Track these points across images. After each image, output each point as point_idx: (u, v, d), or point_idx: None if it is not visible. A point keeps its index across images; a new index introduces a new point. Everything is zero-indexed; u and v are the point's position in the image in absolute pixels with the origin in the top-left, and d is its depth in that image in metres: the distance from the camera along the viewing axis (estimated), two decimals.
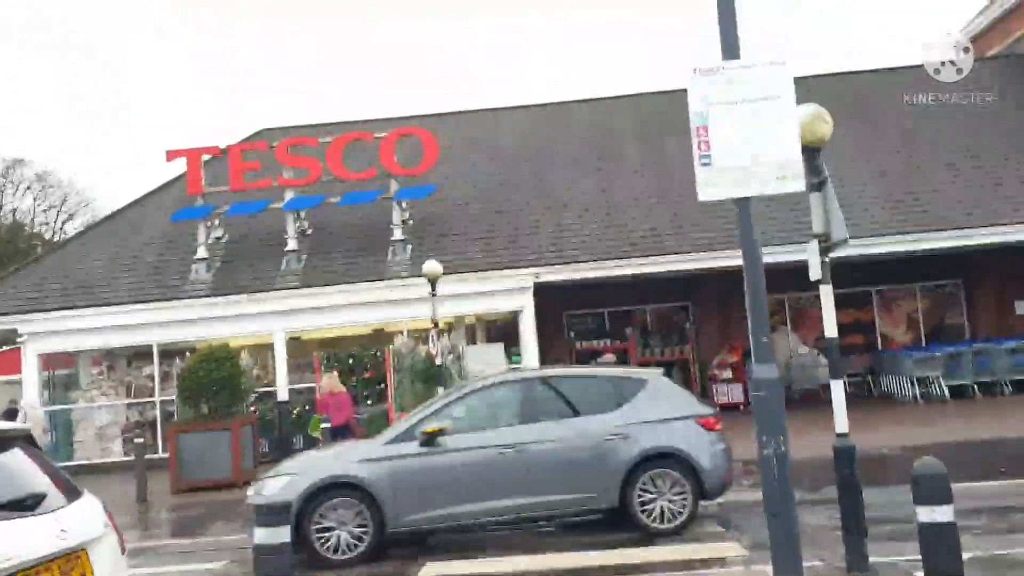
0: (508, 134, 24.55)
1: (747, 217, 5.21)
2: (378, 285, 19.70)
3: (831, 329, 6.53)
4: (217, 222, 21.35)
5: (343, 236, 21.36)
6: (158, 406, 20.27)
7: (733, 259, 18.78)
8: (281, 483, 8.54)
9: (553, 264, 19.80)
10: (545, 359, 20.17)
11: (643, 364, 23.94)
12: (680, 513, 8.47)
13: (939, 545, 5.40)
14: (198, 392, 15.98)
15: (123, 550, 4.27)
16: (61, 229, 45.95)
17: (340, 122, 24.26)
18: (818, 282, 6.56)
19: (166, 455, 16.85)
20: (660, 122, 22.76)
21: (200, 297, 20.12)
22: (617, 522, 8.66)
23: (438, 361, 17.01)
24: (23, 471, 3.88)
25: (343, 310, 19.72)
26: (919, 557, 5.57)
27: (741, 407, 20.34)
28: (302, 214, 21.42)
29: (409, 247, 20.54)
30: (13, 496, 3.67)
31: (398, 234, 20.68)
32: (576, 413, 8.84)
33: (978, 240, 19.40)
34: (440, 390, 17.58)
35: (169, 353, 20.38)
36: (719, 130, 5.00)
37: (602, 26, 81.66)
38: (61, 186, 46.59)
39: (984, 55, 25.21)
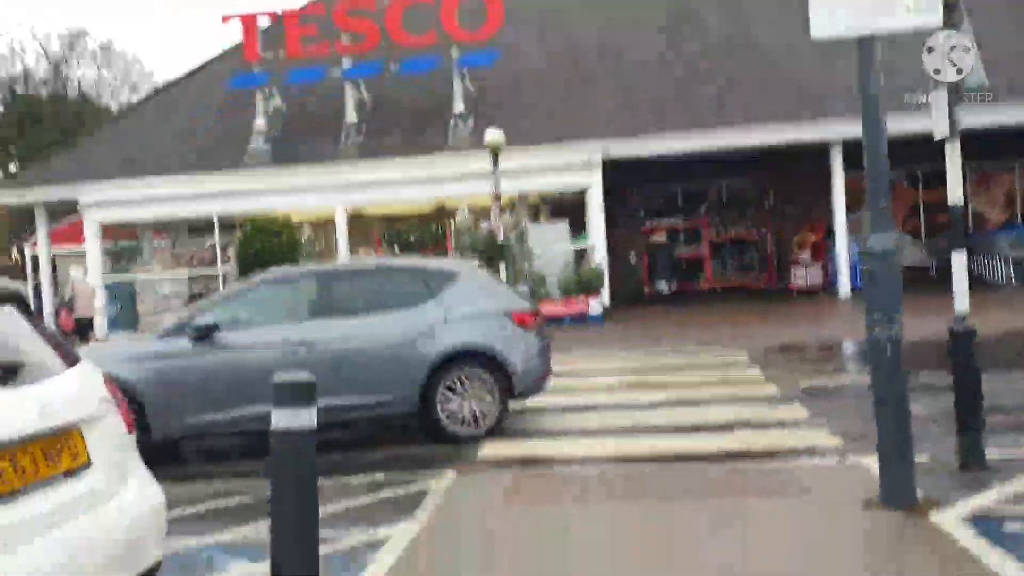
0: None
1: (869, 64, 4.71)
2: (439, 158, 19.03)
3: (955, 195, 5.58)
4: (275, 91, 20.83)
5: (403, 109, 20.68)
6: (220, 277, 20.18)
7: (821, 131, 17.85)
8: None
9: (624, 137, 18.73)
10: (612, 238, 19.36)
11: (715, 245, 23.05)
12: (485, 415, 7.72)
13: None
14: (254, 263, 15.71)
15: (130, 429, 3.71)
16: (127, 101, 45.87)
17: None
18: (942, 141, 5.58)
19: None
20: None
21: (259, 167, 19.74)
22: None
23: (500, 238, 16.39)
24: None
25: (403, 186, 19.06)
26: None
27: (822, 290, 19.43)
28: (361, 86, 20.73)
29: (471, 120, 19.74)
30: None
31: (459, 107, 19.88)
32: (378, 309, 7.93)
33: None
34: (503, 269, 17.07)
35: (230, 225, 20.18)
36: None
37: None
38: (124, 57, 46.38)
39: None
